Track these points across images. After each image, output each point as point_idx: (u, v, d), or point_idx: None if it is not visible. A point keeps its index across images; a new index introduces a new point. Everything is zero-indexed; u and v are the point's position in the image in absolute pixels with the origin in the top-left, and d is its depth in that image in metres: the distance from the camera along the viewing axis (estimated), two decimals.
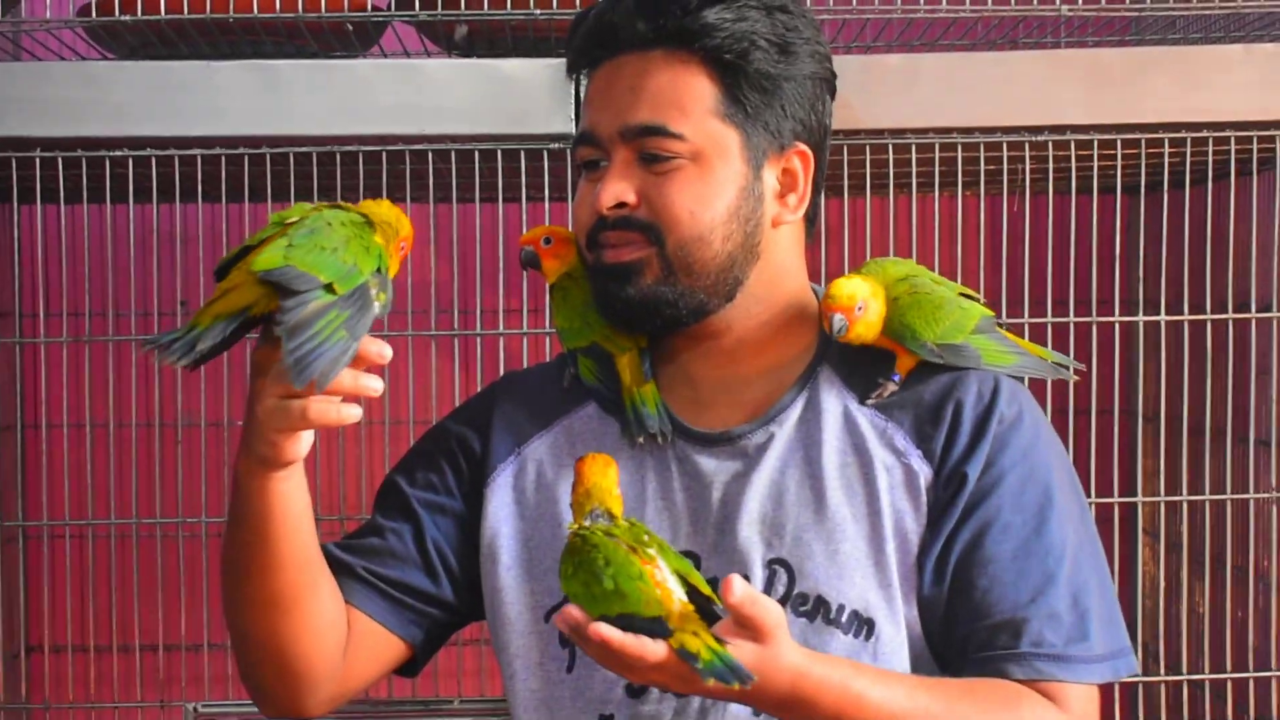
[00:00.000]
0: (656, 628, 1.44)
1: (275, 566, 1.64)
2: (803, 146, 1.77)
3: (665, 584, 1.48)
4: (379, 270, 1.54)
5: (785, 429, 1.74)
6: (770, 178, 1.75)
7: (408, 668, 1.86)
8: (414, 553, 1.80)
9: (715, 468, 1.74)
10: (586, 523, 1.56)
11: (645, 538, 1.53)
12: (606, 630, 1.41)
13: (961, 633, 1.66)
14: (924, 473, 1.70)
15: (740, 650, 1.44)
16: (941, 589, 1.67)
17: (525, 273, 2.47)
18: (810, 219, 1.82)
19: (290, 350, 1.43)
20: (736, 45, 1.71)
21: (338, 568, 1.77)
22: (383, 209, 1.61)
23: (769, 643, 1.45)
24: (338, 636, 1.74)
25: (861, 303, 1.71)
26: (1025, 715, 1.60)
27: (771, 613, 1.45)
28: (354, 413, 1.52)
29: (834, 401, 1.75)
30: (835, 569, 1.66)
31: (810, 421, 1.75)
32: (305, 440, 1.55)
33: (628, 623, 1.45)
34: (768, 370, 1.79)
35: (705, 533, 1.71)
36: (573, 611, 1.44)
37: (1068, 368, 1.84)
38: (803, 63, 1.75)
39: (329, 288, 1.47)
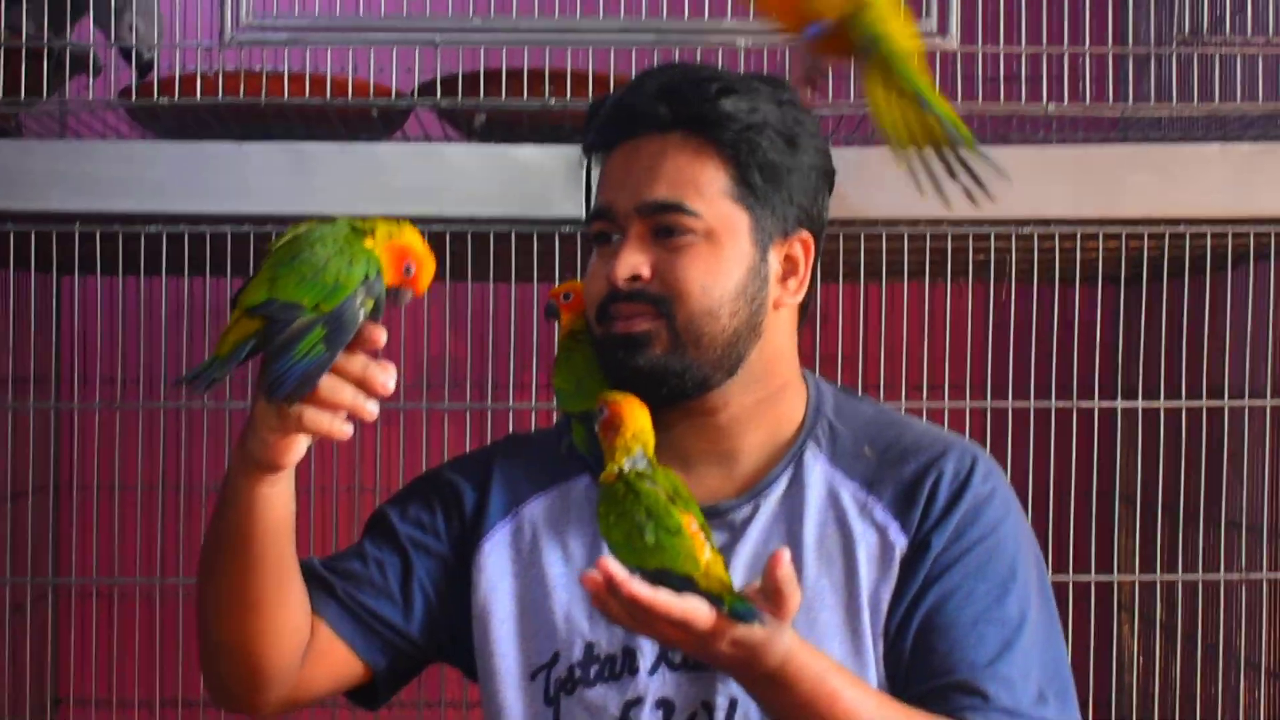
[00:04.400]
0: (687, 585, 1.48)
1: (246, 568, 1.66)
2: (805, 234, 1.81)
3: (698, 535, 1.52)
4: (367, 278, 1.57)
5: (770, 502, 1.78)
6: (774, 261, 1.79)
7: (368, 697, 1.88)
8: (392, 587, 1.83)
9: None
10: (627, 466, 1.58)
11: (679, 487, 1.57)
12: (642, 591, 1.45)
13: (919, 690, 1.70)
14: (900, 544, 1.74)
15: None
16: (904, 649, 1.71)
17: (536, 349, 2.51)
18: (804, 306, 1.86)
19: (269, 372, 1.53)
20: (750, 134, 1.76)
21: (316, 581, 1.80)
22: (392, 224, 1.63)
23: (780, 619, 1.51)
24: (298, 643, 1.76)
25: None
26: None
27: (795, 597, 1.50)
28: (345, 429, 1.56)
29: (818, 477, 1.79)
30: (813, 637, 1.69)
31: (795, 496, 1.78)
32: (298, 447, 1.58)
33: (661, 577, 1.49)
34: (757, 446, 1.82)
35: None
36: (608, 565, 1.46)
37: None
38: (807, 154, 1.80)
39: (315, 308, 1.55)
